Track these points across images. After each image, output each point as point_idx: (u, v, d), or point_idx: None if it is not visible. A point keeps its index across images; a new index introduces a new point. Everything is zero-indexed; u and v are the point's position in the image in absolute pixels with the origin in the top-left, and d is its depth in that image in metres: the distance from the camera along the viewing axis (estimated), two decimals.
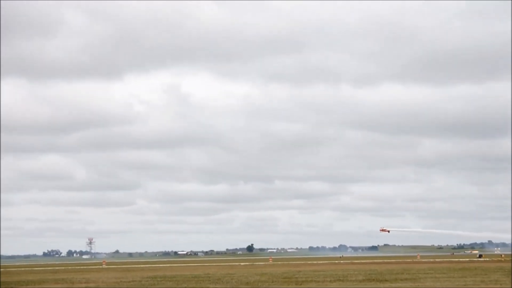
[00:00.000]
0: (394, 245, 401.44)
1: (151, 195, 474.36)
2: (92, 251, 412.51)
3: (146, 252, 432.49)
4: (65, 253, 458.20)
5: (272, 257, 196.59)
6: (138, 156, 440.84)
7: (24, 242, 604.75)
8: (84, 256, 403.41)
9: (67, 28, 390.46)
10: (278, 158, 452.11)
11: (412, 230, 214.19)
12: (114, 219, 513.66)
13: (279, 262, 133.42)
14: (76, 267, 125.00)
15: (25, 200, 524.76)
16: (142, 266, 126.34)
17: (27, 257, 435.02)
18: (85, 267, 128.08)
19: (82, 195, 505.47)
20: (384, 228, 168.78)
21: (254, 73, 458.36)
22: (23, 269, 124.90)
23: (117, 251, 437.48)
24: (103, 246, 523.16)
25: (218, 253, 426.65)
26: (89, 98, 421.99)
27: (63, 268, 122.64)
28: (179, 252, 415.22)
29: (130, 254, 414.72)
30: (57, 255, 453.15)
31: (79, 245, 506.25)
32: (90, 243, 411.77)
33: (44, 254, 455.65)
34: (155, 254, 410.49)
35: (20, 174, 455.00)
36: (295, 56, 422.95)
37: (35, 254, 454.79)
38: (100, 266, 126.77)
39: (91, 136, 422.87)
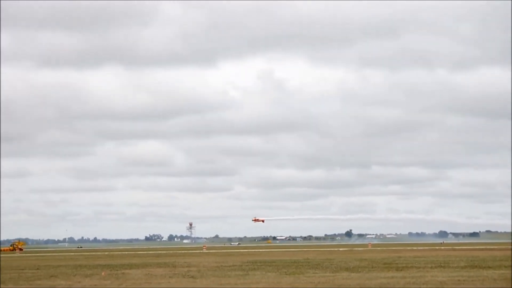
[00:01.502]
0: (497, 232, 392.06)
1: (249, 181, 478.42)
2: (193, 235, 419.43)
3: (245, 237, 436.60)
4: (166, 238, 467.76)
5: (372, 242, 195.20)
6: (235, 142, 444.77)
7: (127, 226, 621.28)
8: (185, 241, 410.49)
9: (163, 16, 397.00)
10: (375, 143, 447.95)
11: None
12: (212, 205, 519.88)
13: (379, 248, 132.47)
14: (178, 252, 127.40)
15: (127, 186, 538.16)
16: (241, 251, 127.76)
17: (129, 241, 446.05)
18: (186, 251, 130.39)
19: (181, 181, 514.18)
20: None
21: (349, 58, 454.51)
22: (126, 253, 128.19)
23: (216, 236, 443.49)
24: (203, 231, 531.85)
25: (316, 238, 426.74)
26: (185, 85, 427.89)
27: (164, 252, 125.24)
28: (278, 237, 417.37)
29: (230, 239, 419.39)
30: (158, 239, 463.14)
31: (180, 230, 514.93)
32: (191, 227, 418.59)
33: (146, 239, 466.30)
34: (254, 239, 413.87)
35: (121, 161, 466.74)
36: (390, 41, 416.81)
37: (137, 239, 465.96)
38: (201, 251, 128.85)
39: (188, 123, 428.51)
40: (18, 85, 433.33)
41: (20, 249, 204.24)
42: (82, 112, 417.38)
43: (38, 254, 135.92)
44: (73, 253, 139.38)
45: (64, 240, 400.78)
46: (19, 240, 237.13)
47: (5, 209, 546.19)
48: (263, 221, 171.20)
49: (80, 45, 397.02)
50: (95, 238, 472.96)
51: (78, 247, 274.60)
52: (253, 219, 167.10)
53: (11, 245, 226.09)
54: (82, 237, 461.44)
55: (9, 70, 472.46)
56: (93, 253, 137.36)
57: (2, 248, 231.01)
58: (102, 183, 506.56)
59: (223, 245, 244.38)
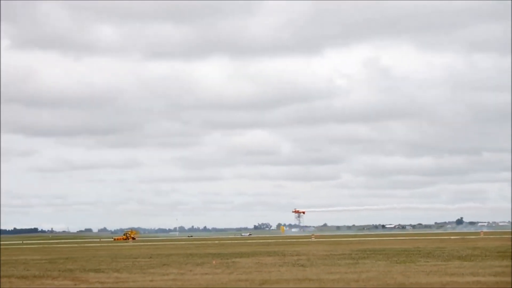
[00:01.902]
0: None
1: (356, 169, 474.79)
2: (301, 224, 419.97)
3: (353, 225, 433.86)
4: (275, 226, 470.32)
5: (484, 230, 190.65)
6: (342, 130, 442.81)
7: (235, 215, 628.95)
8: (293, 230, 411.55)
9: (269, 5, 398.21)
10: (485, 129, 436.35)
11: None
12: (320, 193, 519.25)
13: (491, 236, 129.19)
14: (287, 240, 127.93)
15: (234, 175, 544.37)
16: (350, 239, 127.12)
17: (238, 230, 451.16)
18: (295, 240, 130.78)
19: (288, 170, 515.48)
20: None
21: (458, 43, 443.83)
22: (236, 241, 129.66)
23: (325, 225, 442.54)
24: (311, 220, 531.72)
25: (426, 226, 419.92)
26: (291, 74, 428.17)
27: (274, 241, 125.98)
28: (387, 226, 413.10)
29: (338, 227, 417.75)
30: (267, 228, 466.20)
31: (288, 219, 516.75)
32: (299, 216, 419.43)
33: (255, 227, 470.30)
34: (362, 228, 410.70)
35: (228, 150, 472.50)
36: (499, 24, 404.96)
37: (246, 227, 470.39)
38: (310, 239, 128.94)
39: (294, 111, 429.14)
40: (127, 78, 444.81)
41: (133, 238, 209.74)
42: (190, 102, 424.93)
43: (150, 243, 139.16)
44: (184, 242, 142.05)
45: (174, 229, 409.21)
46: (132, 229, 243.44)
47: (117, 199, 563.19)
48: (303, 212, 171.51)
49: (187, 36, 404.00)
50: (204, 227, 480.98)
51: (189, 236, 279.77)
52: (293, 210, 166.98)
53: (124, 234, 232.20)
54: (192, 226, 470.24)
55: (119, 63, 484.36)
56: (204, 242, 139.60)
57: (115, 238, 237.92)
58: (210, 173, 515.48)
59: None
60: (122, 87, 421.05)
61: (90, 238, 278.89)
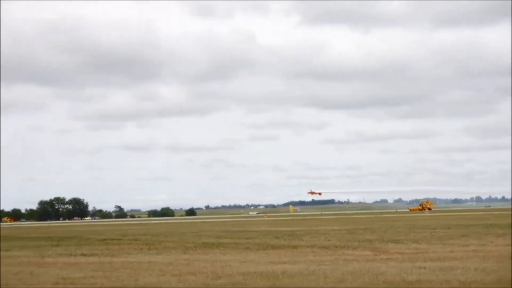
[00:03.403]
0: None
1: None
2: None
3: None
4: None
5: None
6: None
7: None
8: None
9: None
10: None
11: None
12: None
13: None
14: None
15: None
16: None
17: None
18: None
19: None
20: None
21: None
22: None
23: None
24: None
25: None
26: None
27: None
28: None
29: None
30: None
31: None
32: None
33: None
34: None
35: None
36: None
37: None
38: None
39: None
40: (416, 47, 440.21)
41: (429, 209, 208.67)
42: (481, 69, 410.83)
43: (446, 214, 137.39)
44: (481, 213, 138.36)
45: (471, 199, 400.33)
46: (427, 200, 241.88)
47: (409, 169, 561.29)
48: (320, 193, 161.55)
49: (473, 4, 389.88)
50: (502, 197, 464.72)
51: (486, 206, 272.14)
52: (309, 191, 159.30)
53: (420, 205, 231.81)
54: (490, 196, 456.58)
55: (407, 32, 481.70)
56: (503, 212, 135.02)
57: (411, 208, 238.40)
58: (506, 141, 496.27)
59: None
60: (411, 58, 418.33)
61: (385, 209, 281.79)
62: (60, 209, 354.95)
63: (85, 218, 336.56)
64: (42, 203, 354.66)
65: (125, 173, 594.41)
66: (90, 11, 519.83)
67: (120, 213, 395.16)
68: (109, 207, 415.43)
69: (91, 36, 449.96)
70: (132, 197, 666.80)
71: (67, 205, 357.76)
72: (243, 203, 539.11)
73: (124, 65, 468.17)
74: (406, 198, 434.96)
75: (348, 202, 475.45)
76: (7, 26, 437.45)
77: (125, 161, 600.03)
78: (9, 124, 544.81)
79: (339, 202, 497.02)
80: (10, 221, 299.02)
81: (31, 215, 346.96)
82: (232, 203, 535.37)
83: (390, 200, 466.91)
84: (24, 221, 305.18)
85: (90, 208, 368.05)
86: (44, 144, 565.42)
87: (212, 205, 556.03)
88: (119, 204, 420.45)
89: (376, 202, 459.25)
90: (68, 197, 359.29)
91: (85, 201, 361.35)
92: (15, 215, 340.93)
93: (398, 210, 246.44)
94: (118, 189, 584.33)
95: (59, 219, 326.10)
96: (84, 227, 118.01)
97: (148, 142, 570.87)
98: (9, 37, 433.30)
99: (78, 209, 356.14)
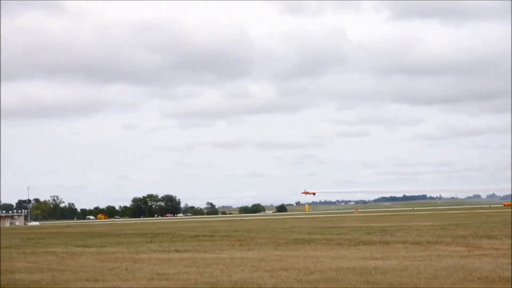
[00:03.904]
0: None
1: None
2: None
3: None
4: None
5: None
6: None
7: None
8: None
9: None
10: None
11: None
12: None
13: None
14: None
15: None
16: None
17: None
18: None
19: None
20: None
21: None
22: None
23: None
24: None
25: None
26: None
27: None
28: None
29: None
30: None
31: None
32: None
33: None
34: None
35: None
36: None
37: None
38: None
39: None
40: (508, 41, 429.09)
41: None
42: None
43: None
44: None
45: None
46: None
47: (502, 164, 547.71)
48: (314, 193, 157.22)
49: None
50: None
51: None
52: (303, 192, 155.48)
53: None
54: None
55: (499, 25, 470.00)
56: None
57: (505, 203, 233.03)
58: None
59: None
60: (503, 51, 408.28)
61: (479, 204, 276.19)
62: (153, 206, 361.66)
63: (177, 214, 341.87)
64: (135, 200, 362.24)
65: (216, 170, 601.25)
66: (181, 11, 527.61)
67: (212, 210, 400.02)
68: (201, 203, 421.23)
69: (182, 36, 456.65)
70: (223, 193, 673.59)
71: (160, 202, 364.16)
72: (333, 199, 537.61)
73: (215, 63, 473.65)
74: (500, 193, 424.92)
75: (440, 198, 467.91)
76: (99, 27, 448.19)
77: (215, 158, 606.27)
78: (102, 124, 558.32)
79: (431, 198, 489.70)
80: (104, 218, 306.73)
81: (125, 212, 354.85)
82: (322, 199, 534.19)
83: (483, 195, 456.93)
84: (118, 218, 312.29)
85: (182, 205, 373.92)
86: (137, 143, 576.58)
87: (302, 201, 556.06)
88: (210, 201, 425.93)
89: (469, 197, 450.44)
90: (160, 194, 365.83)
91: (177, 198, 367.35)
92: (110, 212, 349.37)
93: (492, 206, 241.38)
94: (209, 186, 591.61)
95: (152, 216, 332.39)
96: (177, 223, 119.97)
97: (238, 139, 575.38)
98: (101, 38, 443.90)
99: (170, 206, 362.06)
